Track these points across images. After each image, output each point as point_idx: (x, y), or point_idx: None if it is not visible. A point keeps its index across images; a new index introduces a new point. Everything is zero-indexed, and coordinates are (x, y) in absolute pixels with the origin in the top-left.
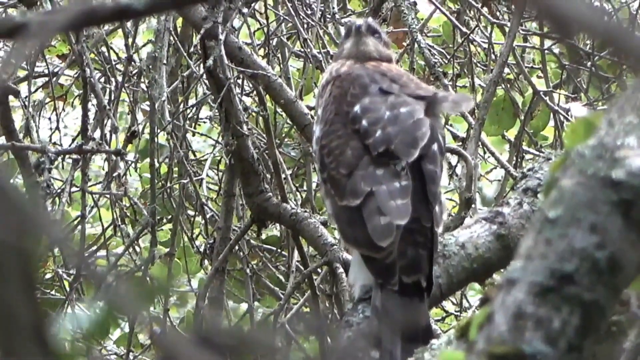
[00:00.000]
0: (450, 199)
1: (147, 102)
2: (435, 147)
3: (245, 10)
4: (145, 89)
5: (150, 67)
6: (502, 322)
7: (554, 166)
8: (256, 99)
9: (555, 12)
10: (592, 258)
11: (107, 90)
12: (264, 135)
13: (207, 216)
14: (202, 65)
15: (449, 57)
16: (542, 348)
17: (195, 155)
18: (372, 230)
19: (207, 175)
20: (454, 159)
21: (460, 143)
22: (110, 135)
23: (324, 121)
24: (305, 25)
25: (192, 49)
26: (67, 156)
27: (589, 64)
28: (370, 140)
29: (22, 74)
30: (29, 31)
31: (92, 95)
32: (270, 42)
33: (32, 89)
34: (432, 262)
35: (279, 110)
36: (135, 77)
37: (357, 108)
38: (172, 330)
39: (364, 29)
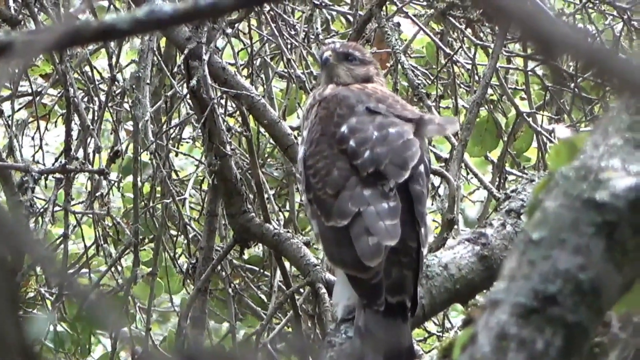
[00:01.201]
0: (433, 220)
1: (131, 122)
2: (422, 168)
3: (229, 30)
4: (129, 109)
5: (134, 86)
6: (485, 342)
7: (538, 188)
8: (239, 119)
9: (539, 34)
10: (575, 279)
11: (91, 109)
12: (247, 156)
13: (190, 236)
14: (185, 85)
15: (432, 78)
16: None
17: (178, 175)
18: (361, 250)
19: (190, 195)
20: (436, 180)
21: (443, 164)
22: (94, 155)
23: (309, 142)
24: (289, 46)
25: (175, 69)
26: (50, 175)
27: (572, 85)
28: (358, 160)
29: (5, 93)
30: (14, 50)
31: (76, 115)
32: (254, 62)
33: (16, 108)
34: (417, 282)
35: (262, 130)
36: (118, 97)
37: (344, 128)
38: (154, 349)
39: (332, 60)
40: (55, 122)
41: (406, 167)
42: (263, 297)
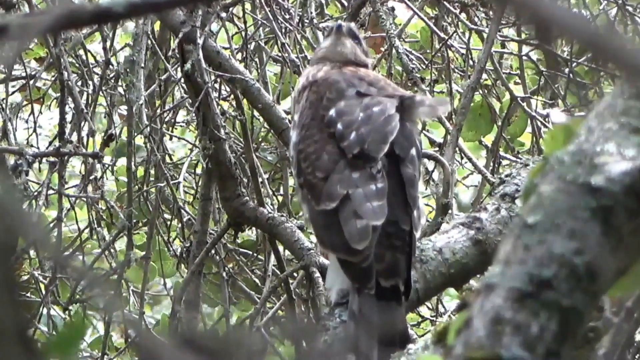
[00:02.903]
0: (427, 204)
1: (125, 106)
2: (413, 151)
3: (223, 14)
4: (123, 92)
5: (128, 70)
6: (480, 327)
7: (534, 172)
8: (233, 103)
9: (539, 17)
10: (570, 264)
11: (85, 93)
12: (241, 140)
13: (184, 220)
14: (179, 69)
15: (426, 62)
16: (520, 353)
17: (172, 159)
18: (349, 233)
19: (184, 178)
20: (431, 165)
21: (438, 148)
22: (87, 138)
23: (300, 126)
24: (283, 30)
25: (170, 53)
26: (44, 159)
27: (566, 70)
28: (345, 143)
29: None
30: (10, 33)
31: (70, 98)
32: (248, 46)
33: (10, 92)
34: (410, 266)
35: (256, 114)
36: (112, 81)
37: (332, 112)
38: (147, 333)
39: (344, 30)
40: (49, 105)
41: (386, 140)
42: (257, 281)
